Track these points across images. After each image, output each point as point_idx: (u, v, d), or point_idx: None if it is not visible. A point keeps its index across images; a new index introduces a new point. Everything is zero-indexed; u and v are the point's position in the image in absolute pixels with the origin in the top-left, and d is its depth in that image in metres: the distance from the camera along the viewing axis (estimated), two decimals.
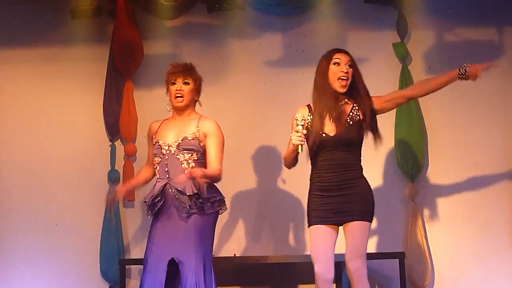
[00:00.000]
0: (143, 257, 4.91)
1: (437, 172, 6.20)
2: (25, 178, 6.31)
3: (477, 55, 6.21)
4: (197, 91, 5.04)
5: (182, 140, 4.89)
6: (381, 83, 6.19)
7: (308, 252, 5.79)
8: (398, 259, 5.80)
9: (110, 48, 6.30)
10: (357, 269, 4.63)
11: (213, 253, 5.59)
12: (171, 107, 5.04)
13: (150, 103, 6.19)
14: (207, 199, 4.85)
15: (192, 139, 4.89)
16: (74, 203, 6.27)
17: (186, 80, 4.98)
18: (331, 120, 4.73)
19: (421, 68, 6.29)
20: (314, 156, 4.80)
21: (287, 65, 6.31)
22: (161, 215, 4.88)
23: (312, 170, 4.84)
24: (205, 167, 4.88)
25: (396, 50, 6.27)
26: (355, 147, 4.75)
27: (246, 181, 6.25)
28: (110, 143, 6.34)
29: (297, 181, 6.07)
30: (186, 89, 4.96)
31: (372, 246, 5.97)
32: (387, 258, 5.86)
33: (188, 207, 4.80)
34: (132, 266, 6.18)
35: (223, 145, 4.98)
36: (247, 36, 6.37)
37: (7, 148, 6.35)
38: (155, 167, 4.95)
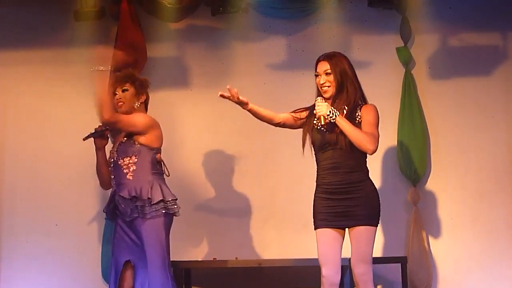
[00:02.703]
0: None
1: (440, 176, 6.20)
2: (28, 179, 6.31)
3: (480, 60, 6.22)
4: (138, 94, 5.14)
5: (119, 146, 5.01)
6: (384, 87, 6.21)
7: (310, 256, 5.79)
8: (400, 264, 5.79)
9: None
10: (362, 274, 4.62)
11: (214, 257, 5.61)
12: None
13: (153, 105, 6.16)
14: (146, 201, 4.87)
15: (126, 141, 5.00)
16: (76, 204, 6.27)
17: (124, 87, 5.12)
18: (325, 124, 4.71)
19: (425, 72, 6.29)
20: (317, 156, 4.79)
21: (290, 68, 6.31)
22: (117, 220, 5.03)
23: (317, 172, 4.82)
24: (150, 166, 4.96)
25: (399, 54, 6.26)
26: (356, 147, 4.67)
27: (248, 184, 6.25)
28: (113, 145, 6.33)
29: (299, 183, 6.10)
30: (125, 95, 5.11)
31: (374, 251, 5.94)
32: (389, 262, 5.86)
33: (129, 211, 4.86)
34: None
35: (145, 120, 5.06)
36: (250, 39, 6.37)
37: (10, 149, 6.36)
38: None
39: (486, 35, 6.26)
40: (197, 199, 6.23)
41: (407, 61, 6.26)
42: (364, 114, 4.71)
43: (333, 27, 6.30)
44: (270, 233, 6.24)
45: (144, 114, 5.13)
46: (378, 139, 4.67)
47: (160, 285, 4.80)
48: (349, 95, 4.75)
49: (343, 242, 4.72)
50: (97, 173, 5.23)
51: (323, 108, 4.65)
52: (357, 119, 4.71)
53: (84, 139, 5.16)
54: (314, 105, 4.79)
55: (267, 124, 6.27)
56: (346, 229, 4.71)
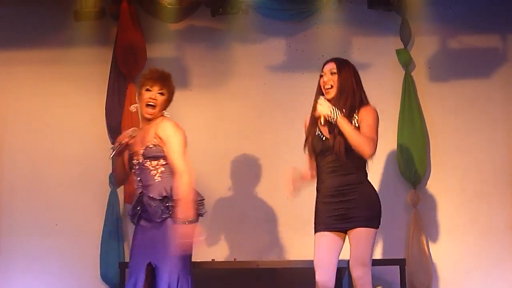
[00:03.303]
0: None
1: (439, 178, 6.20)
2: (27, 180, 6.30)
3: (480, 62, 6.23)
4: (168, 102, 4.95)
5: (145, 149, 4.88)
6: (384, 89, 6.21)
7: (309, 258, 5.79)
8: (399, 266, 5.78)
9: (113, 51, 6.30)
10: (360, 277, 4.56)
11: (212, 258, 5.62)
12: (135, 109, 4.97)
13: None
14: (172, 203, 4.82)
15: (154, 147, 4.87)
16: (76, 205, 6.26)
17: (161, 91, 4.88)
18: (324, 124, 4.69)
19: (424, 74, 6.29)
20: (317, 161, 4.78)
21: (290, 70, 6.31)
22: (140, 222, 4.90)
23: (316, 177, 4.81)
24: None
25: (399, 56, 6.26)
26: (353, 151, 4.63)
27: (246, 185, 6.25)
28: (112, 145, 6.32)
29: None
30: (160, 99, 4.88)
31: (373, 253, 5.95)
32: (388, 264, 5.84)
33: (160, 212, 4.80)
34: None
35: (182, 143, 4.85)
36: (250, 40, 6.37)
37: (9, 149, 6.35)
38: (133, 179, 5.00)
39: (485, 37, 6.27)
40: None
41: (407, 63, 6.26)
42: (364, 117, 4.67)
43: (333, 28, 6.31)
44: (268, 235, 6.23)
45: (179, 130, 4.88)
46: (376, 143, 4.63)
47: (181, 285, 4.77)
48: (349, 100, 4.70)
49: (343, 246, 4.68)
50: (116, 174, 5.15)
51: (325, 107, 4.63)
52: (354, 121, 4.67)
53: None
54: (314, 106, 4.76)
55: (266, 125, 6.31)
56: (347, 233, 4.67)
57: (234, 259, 6.06)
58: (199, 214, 4.86)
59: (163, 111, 4.91)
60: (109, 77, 6.30)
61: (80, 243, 6.22)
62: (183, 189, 4.69)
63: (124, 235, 6.22)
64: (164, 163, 4.86)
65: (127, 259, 6.13)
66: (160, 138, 4.82)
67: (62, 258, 6.21)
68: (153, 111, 4.87)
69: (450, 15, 6.29)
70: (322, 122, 4.65)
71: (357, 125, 4.65)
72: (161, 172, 4.86)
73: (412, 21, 6.27)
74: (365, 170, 4.73)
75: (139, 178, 4.89)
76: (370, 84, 6.10)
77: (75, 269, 6.20)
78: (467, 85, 6.24)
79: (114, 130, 6.27)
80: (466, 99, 6.22)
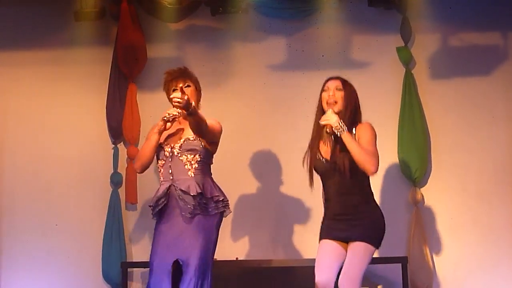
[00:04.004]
0: (145, 260, 4.91)
1: (440, 176, 6.19)
2: (28, 180, 6.31)
3: (481, 60, 6.22)
4: (198, 91, 5.02)
5: (184, 141, 4.88)
6: (384, 87, 6.21)
7: (310, 256, 5.79)
8: (401, 264, 5.79)
9: (114, 51, 6.30)
10: None
11: (214, 257, 5.60)
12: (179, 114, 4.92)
13: (153, 106, 6.18)
14: (210, 199, 4.85)
15: (194, 140, 4.89)
16: (77, 205, 6.27)
17: (187, 84, 4.95)
18: (326, 144, 4.74)
19: (425, 72, 6.29)
20: (322, 182, 4.82)
21: (291, 69, 6.31)
22: (166, 217, 4.86)
23: (323, 198, 4.87)
24: (208, 168, 4.95)
25: (400, 54, 6.26)
26: (357, 171, 4.65)
27: (248, 184, 6.25)
28: (113, 145, 6.34)
29: (299, 183, 6.09)
30: (189, 91, 4.91)
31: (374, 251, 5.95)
32: (390, 262, 5.85)
33: (192, 207, 4.79)
34: (134, 269, 6.17)
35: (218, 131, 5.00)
36: (250, 40, 6.37)
37: (10, 150, 6.36)
38: (159, 170, 4.94)
39: (486, 35, 6.26)
40: None
41: (408, 61, 6.25)
42: (362, 133, 4.69)
43: (334, 27, 6.30)
44: (271, 234, 6.23)
45: (218, 122, 5.02)
46: (379, 159, 4.64)
47: (206, 284, 4.78)
48: (352, 117, 4.73)
49: (345, 257, 4.66)
50: (143, 155, 4.95)
51: (333, 119, 4.64)
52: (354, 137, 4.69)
53: (170, 121, 4.85)
54: (316, 122, 4.79)
55: (266, 124, 6.30)
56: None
57: (236, 258, 6.06)
58: (223, 214, 4.92)
59: (199, 103, 4.96)
60: (110, 77, 6.31)
61: (82, 243, 6.23)
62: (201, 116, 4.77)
63: (126, 235, 6.22)
64: (199, 159, 4.88)
65: (129, 259, 6.18)
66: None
67: (64, 258, 6.22)
68: (191, 105, 4.75)
69: (451, 12, 6.28)
70: (328, 131, 4.68)
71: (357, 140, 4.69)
72: (195, 168, 4.87)
73: (413, 19, 6.27)
74: (370, 190, 4.75)
75: (170, 171, 4.86)
76: (371, 82, 6.15)
77: (77, 269, 6.20)
78: (467, 83, 6.23)
79: (114, 130, 6.28)
80: (466, 97, 6.21)
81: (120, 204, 6.24)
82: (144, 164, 4.98)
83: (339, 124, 4.61)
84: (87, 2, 6.23)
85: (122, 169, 6.27)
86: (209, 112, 6.34)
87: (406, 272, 5.77)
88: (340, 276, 4.57)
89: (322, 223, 4.80)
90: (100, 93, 6.30)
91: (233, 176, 6.15)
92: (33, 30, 6.40)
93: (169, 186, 4.85)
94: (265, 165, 6.25)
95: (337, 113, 4.71)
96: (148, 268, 4.86)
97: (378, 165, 4.61)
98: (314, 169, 4.79)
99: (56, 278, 6.21)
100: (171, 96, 4.75)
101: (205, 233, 4.83)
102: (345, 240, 4.67)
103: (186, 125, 4.95)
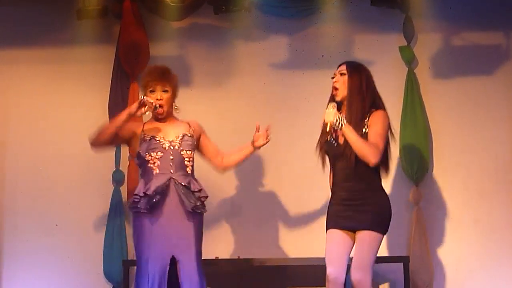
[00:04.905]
0: None
1: (442, 176, 6.19)
2: (30, 178, 6.31)
3: (483, 59, 6.22)
4: (175, 96, 4.97)
5: (183, 136, 4.88)
6: (386, 86, 6.14)
7: (311, 255, 5.81)
8: (402, 263, 5.79)
9: (116, 49, 6.30)
10: (359, 281, 4.58)
11: (216, 256, 5.62)
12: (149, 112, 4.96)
13: None
14: (204, 197, 4.86)
15: (191, 136, 4.91)
16: (79, 203, 6.27)
17: (165, 88, 4.91)
18: (329, 131, 4.72)
19: (427, 71, 6.28)
20: (331, 166, 4.82)
21: (293, 68, 6.31)
22: (160, 211, 4.77)
23: (332, 181, 4.87)
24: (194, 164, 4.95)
25: (402, 53, 6.26)
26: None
27: (248, 182, 6.25)
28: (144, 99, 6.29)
29: (300, 182, 6.11)
30: (166, 96, 4.90)
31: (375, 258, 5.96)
32: (392, 262, 5.86)
33: (193, 203, 4.79)
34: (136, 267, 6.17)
35: None
36: (253, 38, 6.37)
37: (12, 148, 6.36)
38: (153, 162, 4.83)
39: (489, 34, 6.26)
40: None
41: (410, 60, 6.25)
42: (372, 123, 4.68)
43: (336, 26, 6.30)
44: (272, 232, 6.23)
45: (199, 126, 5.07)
46: (382, 149, 4.63)
47: (202, 280, 4.77)
48: (357, 105, 4.71)
49: (353, 245, 4.70)
50: (106, 127, 4.90)
51: (330, 116, 4.64)
52: (365, 128, 4.69)
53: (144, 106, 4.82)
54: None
55: (267, 123, 6.28)
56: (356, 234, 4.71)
57: (238, 257, 6.06)
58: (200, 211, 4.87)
59: (174, 105, 4.95)
60: (112, 75, 6.30)
61: (84, 241, 6.23)
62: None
63: (128, 233, 6.22)
64: (192, 157, 4.91)
65: (130, 257, 6.16)
66: (196, 131, 4.95)
67: (66, 256, 6.22)
68: (163, 110, 4.89)
69: (453, 12, 6.27)
70: (328, 129, 4.65)
71: (366, 130, 4.67)
72: (191, 166, 4.89)
73: (415, 18, 6.26)
74: (378, 177, 4.74)
75: (171, 164, 4.81)
76: None
77: (79, 267, 6.21)
78: (470, 82, 6.23)
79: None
80: (469, 96, 6.21)
81: (122, 202, 6.24)
82: (98, 141, 4.92)
83: (337, 119, 4.59)
84: (89, 0, 6.21)
85: (124, 168, 6.28)
86: (210, 111, 6.37)
87: (407, 271, 5.78)
88: (352, 265, 4.60)
89: (329, 208, 4.79)
90: (102, 91, 6.30)
91: (235, 174, 6.15)
92: (35, 29, 6.39)
93: (169, 178, 4.80)
94: (267, 163, 6.25)
95: (341, 101, 4.71)
96: None
97: (379, 156, 4.60)
98: (325, 152, 4.79)
99: (57, 276, 6.22)
100: (151, 101, 4.79)
101: (199, 231, 4.85)
102: (352, 230, 4.68)
103: (172, 124, 4.94)
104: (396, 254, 5.95)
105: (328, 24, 6.30)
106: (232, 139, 6.24)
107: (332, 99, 4.78)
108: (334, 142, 4.75)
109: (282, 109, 6.27)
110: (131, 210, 4.86)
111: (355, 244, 4.66)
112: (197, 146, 5.00)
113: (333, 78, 4.82)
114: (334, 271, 4.61)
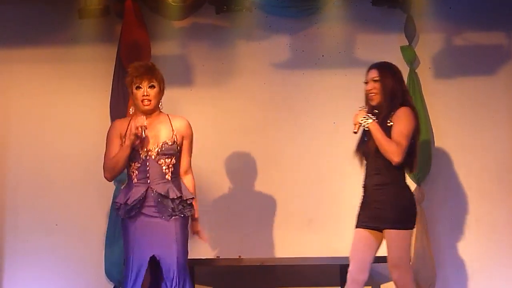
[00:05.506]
0: None
1: (443, 176, 6.19)
2: (32, 178, 6.31)
3: (485, 59, 6.22)
4: (162, 91, 4.98)
5: (162, 145, 4.89)
6: None
7: (313, 255, 5.81)
8: None
9: (118, 49, 6.29)
10: (396, 279, 4.72)
11: (217, 255, 5.62)
12: (134, 110, 4.99)
13: None
14: (185, 201, 4.88)
15: (172, 144, 4.91)
16: (80, 203, 6.27)
17: (151, 83, 4.91)
18: (357, 132, 4.88)
19: (429, 71, 6.29)
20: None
21: (294, 67, 6.31)
22: (139, 218, 4.87)
23: None
24: (179, 168, 4.96)
25: (404, 53, 6.25)
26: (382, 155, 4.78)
27: (250, 182, 6.25)
28: (138, 130, 6.29)
29: (302, 181, 6.12)
30: (153, 92, 4.91)
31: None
32: None
33: (171, 211, 4.83)
34: None
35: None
36: (254, 38, 6.37)
37: (13, 148, 6.36)
38: (132, 171, 4.91)
39: (490, 34, 6.26)
40: (199, 197, 6.21)
41: (412, 60, 6.25)
42: (397, 119, 4.79)
43: (337, 25, 6.30)
44: (273, 232, 6.24)
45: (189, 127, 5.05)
46: (405, 149, 4.73)
47: (187, 283, 4.82)
48: (390, 104, 4.83)
49: (380, 244, 4.80)
50: (113, 167, 4.94)
51: (358, 116, 4.80)
52: (389, 123, 4.79)
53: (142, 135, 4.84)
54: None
55: (269, 122, 6.31)
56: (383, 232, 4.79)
57: (239, 256, 6.06)
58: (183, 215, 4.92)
59: (160, 103, 4.96)
60: (113, 75, 6.30)
61: (85, 240, 6.23)
62: (194, 189, 4.97)
63: None
64: (174, 162, 4.91)
65: None
66: (179, 135, 4.92)
67: (67, 256, 6.22)
68: (150, 106, 4.90)
69: (455, 12, 6.27)
70: (356, 129, 4.82)
71: (390, 123, 4.79)
72: (171, 172, 4.90)
73: (417, 18, 6.26)
74: (398, 171, 4.81)
75: (147, 174, 4.87)
76: None
77: (80, 267, 6.21)
78: (471, 82, 6.24)
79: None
80: (470, 96, 6.21)
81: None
82: (114, 176, 5.03)
83: (363, 119, 4.77)
84: None
85: None
86: (212, 110, 6.37)
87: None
88: (388, 265, 4.74)
89: (359, 206, 4.91)
90: (103, 91, 6.29)
91: (235, 174, 6.16)
92: (36, 28, 6.40)
93: (146, 189, 4.86)
94: (268, 163, 6.25)
95: (377, 106, 4.84)
96: None
97: (402, 155, 4.71)
98: (361, 152, 4.94)
99: (59, 276, 6.22)
100: (135, 132, 4.78)
101: (181, 232, 4.87)
102: (377, 229, 4.77)
103: (156, 126, 4.94)
104: None
105: (329, 24, 6.31)
106: (232, 139, 6.27)
107: (367, 103, 4.91)
108: (365, 138, 4.89)
109: (282, 109, 6.28)
110: (116, 214, 4.99)
111: (382, 240, 4.76)
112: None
113: (365, 83, 4.92)
114: (353, 269, 4.75)
